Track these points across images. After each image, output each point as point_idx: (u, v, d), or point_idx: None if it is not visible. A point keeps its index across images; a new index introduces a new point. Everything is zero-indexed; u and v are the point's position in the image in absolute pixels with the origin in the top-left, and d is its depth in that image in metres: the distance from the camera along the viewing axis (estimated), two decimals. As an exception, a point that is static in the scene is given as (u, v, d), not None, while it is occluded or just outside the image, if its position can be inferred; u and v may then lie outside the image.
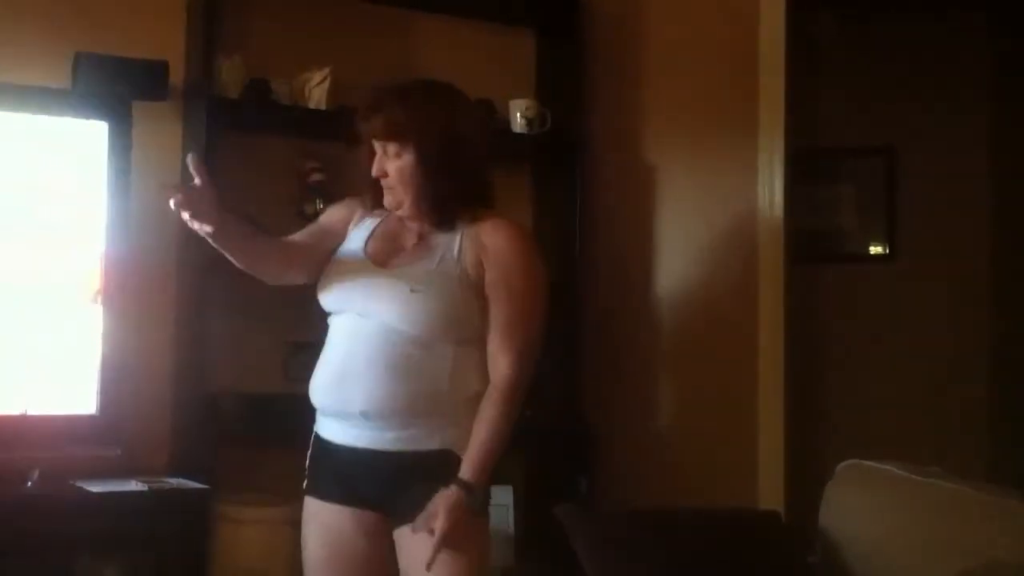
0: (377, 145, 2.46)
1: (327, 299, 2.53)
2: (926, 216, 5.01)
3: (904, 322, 4.95)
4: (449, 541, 2.32)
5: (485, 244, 2.44)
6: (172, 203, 2.28)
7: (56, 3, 3.30)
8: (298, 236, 2.63)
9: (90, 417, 3.15)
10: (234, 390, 3.38)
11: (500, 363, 2.42)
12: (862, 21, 4.93)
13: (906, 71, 4.98)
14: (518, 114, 3.76)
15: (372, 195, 2.54)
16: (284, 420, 2.98)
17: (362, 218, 2.59)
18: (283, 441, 2.91)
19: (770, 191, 3.91)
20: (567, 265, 3.73)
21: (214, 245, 2.42)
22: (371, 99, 2.48)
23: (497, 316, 2.43)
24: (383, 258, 2.50)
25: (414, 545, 2.37)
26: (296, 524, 2.60)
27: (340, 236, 2.60)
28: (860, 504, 2.85)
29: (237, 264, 2.50)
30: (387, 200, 2.50)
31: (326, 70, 3.45)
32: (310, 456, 2.57)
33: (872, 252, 5.15)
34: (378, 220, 2.56)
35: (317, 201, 3.44)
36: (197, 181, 2.31)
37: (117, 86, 3.16)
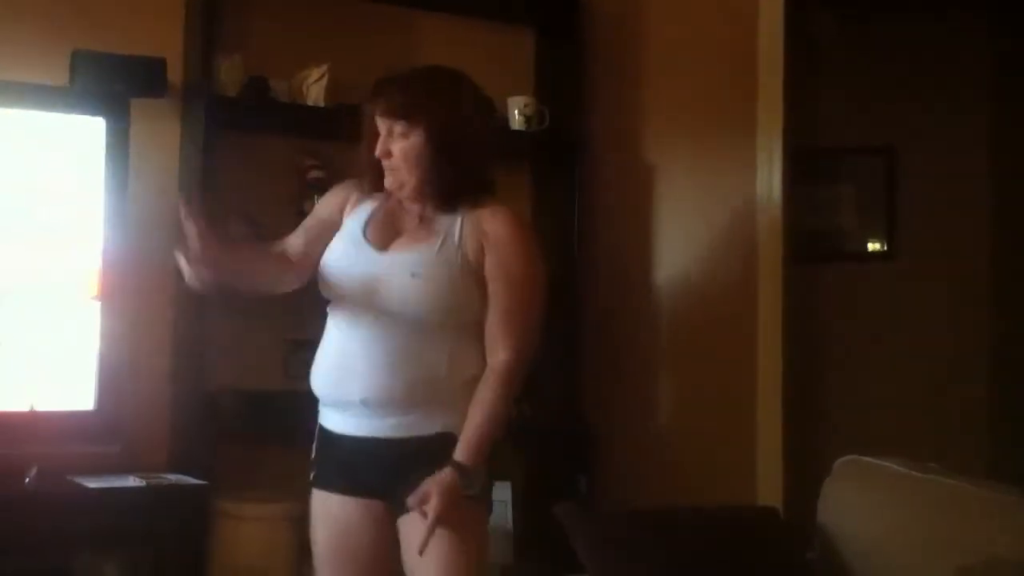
0: (382, 126, 2.44)
1: (327, 286, 2.51)
2: (926, 216, 5.00)
3: (904, 322, 4.93)
4: (443, 522, 2.31)
5: (486, 230, 2.44)
6: (180, 259, 2.34)
7: (54, 1, 3.30)
8: (295, 238, 2.60)
9: (89, 414, 3.15)
10: (233, 387, 3.38)
11: (499, 349, 2.41)
12: (862, 21, 4.92)
13: (906, 71, 4.97)
14: (516, 111, 3.77)
15: (371, 177, 2.52)
16: (283, 417, 2.98)
17: (359, 201, 2.57)
18: (282, 438, 2.91)
19: (769, 191, 3.90)
20: (567, 264, 3.73)
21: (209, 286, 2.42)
22: (381, 80, 2.48)
23: (496, 303, 2.42)
24: (383, 242, 2.48)
25: (414, 533, 2.34)
26: (296, 521, 2.61)
27: (338, 225, 2.58)
28: (859, 500, 2.84)
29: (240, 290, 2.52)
30: (388, 181, 2.48)
31: (324, 67, 3.45)
32: (315, 448, 2.55)
33: (872, 251, 5.14)
34: (376, 203, 2.54)
35: (316, 198, 3.41)
36: (194, 229, 2.32)
37: (115, 83, 3.18)
